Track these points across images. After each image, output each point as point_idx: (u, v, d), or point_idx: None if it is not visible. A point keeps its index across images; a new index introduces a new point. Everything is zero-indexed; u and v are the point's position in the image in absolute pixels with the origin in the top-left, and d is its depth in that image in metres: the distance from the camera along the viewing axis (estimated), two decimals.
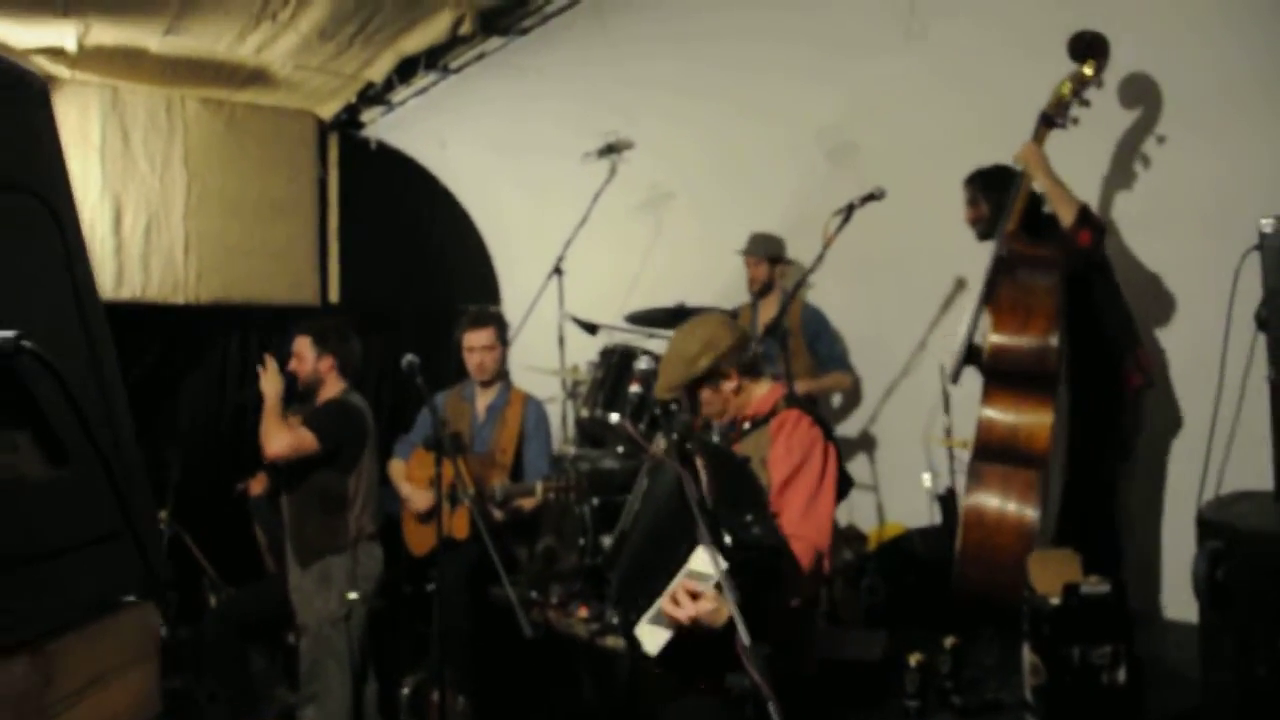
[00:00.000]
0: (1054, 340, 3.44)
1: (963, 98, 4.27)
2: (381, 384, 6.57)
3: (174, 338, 5.95)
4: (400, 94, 5.90)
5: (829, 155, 4.93)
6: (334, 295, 6.67)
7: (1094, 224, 3.56)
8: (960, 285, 4.64)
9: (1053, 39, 3.71)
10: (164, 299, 5.85)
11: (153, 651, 1.37)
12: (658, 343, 4.77)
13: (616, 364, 4.42)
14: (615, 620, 3.56)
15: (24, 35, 4.72)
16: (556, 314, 5.18)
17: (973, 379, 3.74)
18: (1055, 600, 2.59)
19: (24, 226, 1.21)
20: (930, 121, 4.45)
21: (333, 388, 4.35)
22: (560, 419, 5.23)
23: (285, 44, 5.07)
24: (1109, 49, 3.57)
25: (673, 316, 4.83)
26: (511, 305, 6.50)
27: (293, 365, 4.37)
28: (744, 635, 1.95)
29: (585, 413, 4.51)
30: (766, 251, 4.93)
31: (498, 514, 4.28)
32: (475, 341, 4.58)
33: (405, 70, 5.52)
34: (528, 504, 4.36)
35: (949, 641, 3.00)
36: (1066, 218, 3.55)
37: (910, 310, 4.82)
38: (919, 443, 4.67)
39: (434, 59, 5.38)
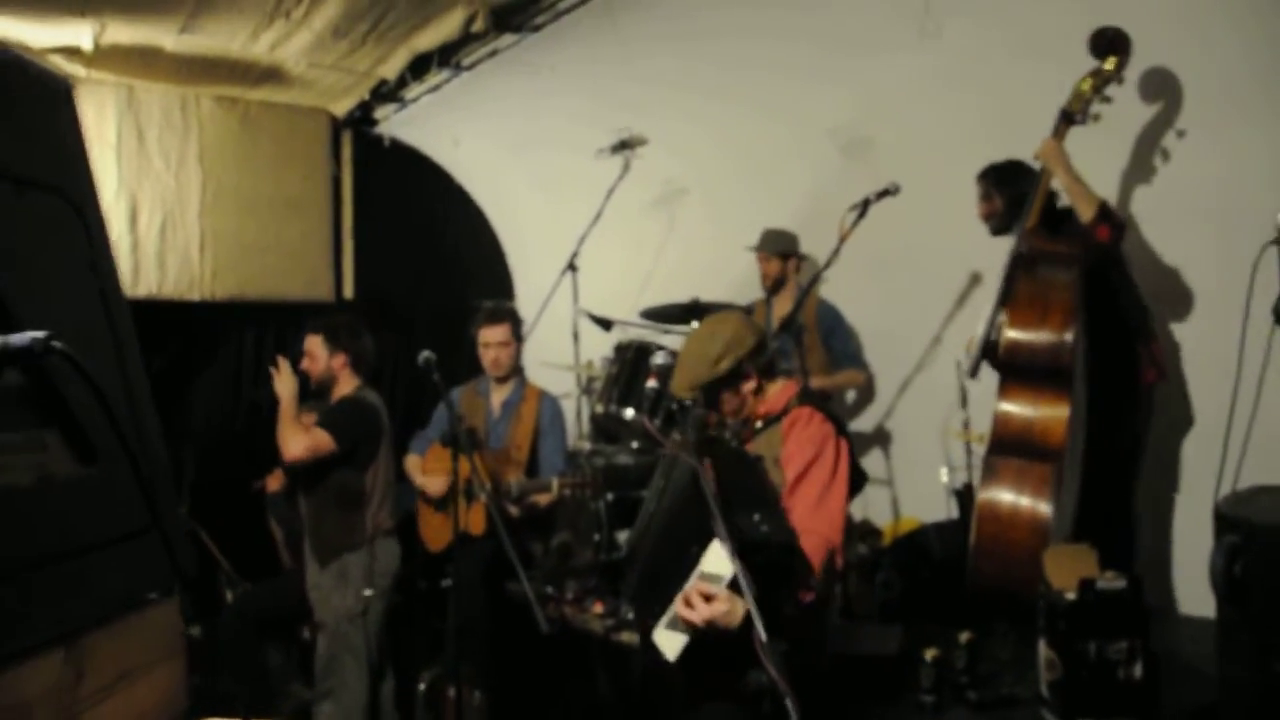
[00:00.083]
0: (1070, 335, 3.43)
1: (976, 95, 4.27)
2: (396, 380, 6.59)
3: (189, 334, 5.98)
4: (413, 91, 5.92)
5: (843, 151, 4.93)
6: (348, 292, 6.69)
7: (1113, 220, 3.56)
8: (975, 280, 4.63)
9: (1066, 36, 3.71)
10: (179, 296, 5.88)
11: (179, 648, 1.39)
12: (672, 338, 4.78)
13: (631, 360, 4.42)
14: (630, 615, 3.58)
15: (41, 35, 4.74)
16: (571, 310, 5.19)
17: (990, 374, 3.74)
18: (1071, 595, 2.59)
19: (51, 227, 1.23)
20: (944, 118, 4.44)
21: (346, 385, 4.35)
22: (575, 415, 5.24)
23: (299, 42, 5.09)
24: (1131, 46, 3.56)
25: (687, 312, 4.85)
26: (525, 301, 6.51)
27: (305, 364, 4.36)
28: (761, 632, 1.96)
29: (600, 408, 4.51)
30: (777, 248, 4.93)
31: (513, 509, 4.29)
32: (491, 337, 4.59)
33: (418, 67, 5.53)
34: (543, 499, 4.37)
35: (964, 636, 3.00)
36: (1086, 214, 3.54)
37: (925, 305, 4.82)
38: (934, 437, 4.67)
39: (447, 56, 5.38)
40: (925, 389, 4.87)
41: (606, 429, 4.77)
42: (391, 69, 5.59)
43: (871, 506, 4.91)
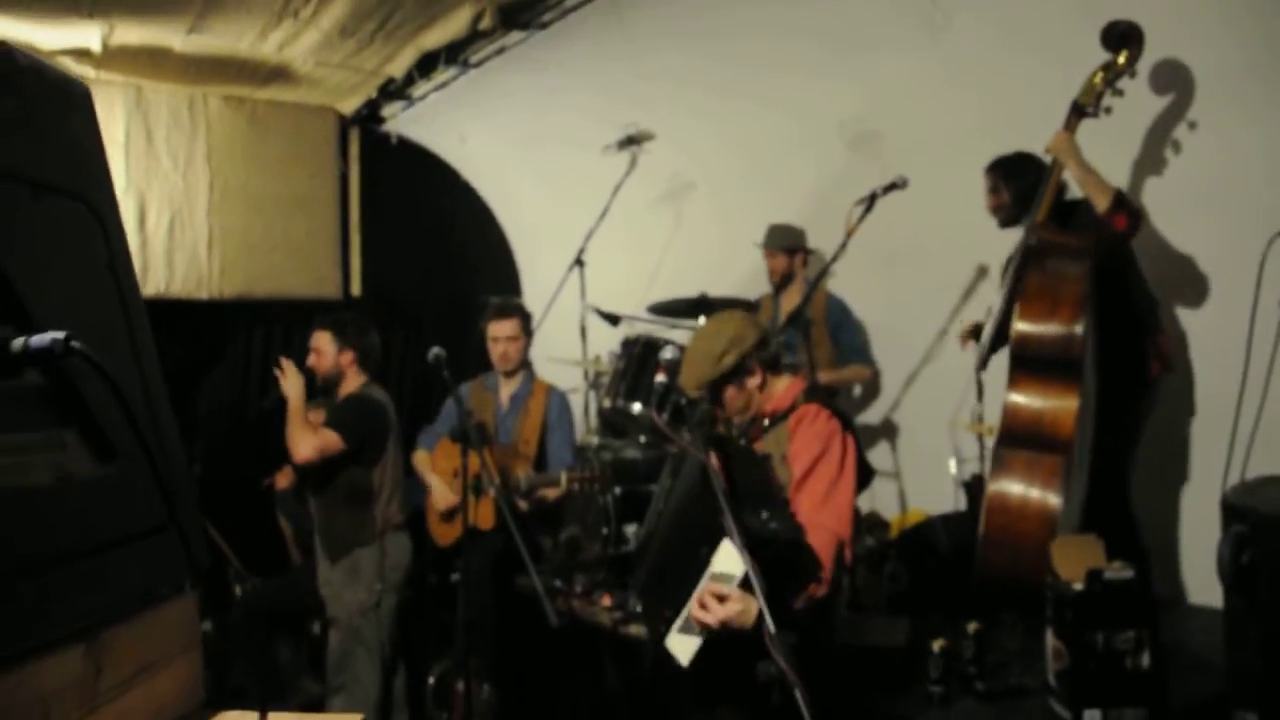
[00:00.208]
0: (1080, 328, 3.43)
1: (983, 88, 4.27)
2: (404, 376, 6.62)
3: (198, 333, 6.01)
4: (421, 89, 5.93)
5: (850, 145, 4.93)
6: (356, 289, 6.71)
7: (1130, 208, 3.56)
8: (981, 273, 4.64)
9: (1073, 29, 3.71)
10: (188, 295, 5.91)
11: (196, 642, 1.41)
12: (680, 333, 4.79)
13: (638, 355, 4.44)
14: (638, 609, 3.60)
15: (50, 37, 4.77)
16: (578, 305, 5.21)
17: (999, 367, 3.75)
18: (1078, 586, 2.60)
19: (70, 229, 1.25)
20: (950, 112, 4.45)
21: (353, 381, 4.36)
22: (583, 410, 5.26)
23: (307, 41, 5.10)
24: (1143, 39, 3.55)
25: (694, 307, 4.86)
26: (533, 297, 6.52)
27: (311, 361, 4.37)
28: (770, 624, 1.97)
29: (607, 403, 4.53)
30: (784, 243, 4.94)
31: (522, 504, 4.31)
32: (499, 332, 4.61)
33: (425, 65, 5.54)
34: (552, 494, 4.39)
35: (972, 627, 3.01)
36: (1102, 204, 3.54)
37: (931, 298, 4.83)
38: (941, 431, 4.68)
39: (454, 54, 5.40)
40: (932, 382, 4.88)
41: (614, 424, 4.79)
42: (399, 67, 5.60)
43: (879, 499, 4.93)
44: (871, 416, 5.15)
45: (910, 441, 5.06)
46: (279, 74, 5.66)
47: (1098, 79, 3.60)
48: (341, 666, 4.18)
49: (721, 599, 2.33)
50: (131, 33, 4.84)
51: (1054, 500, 3.33)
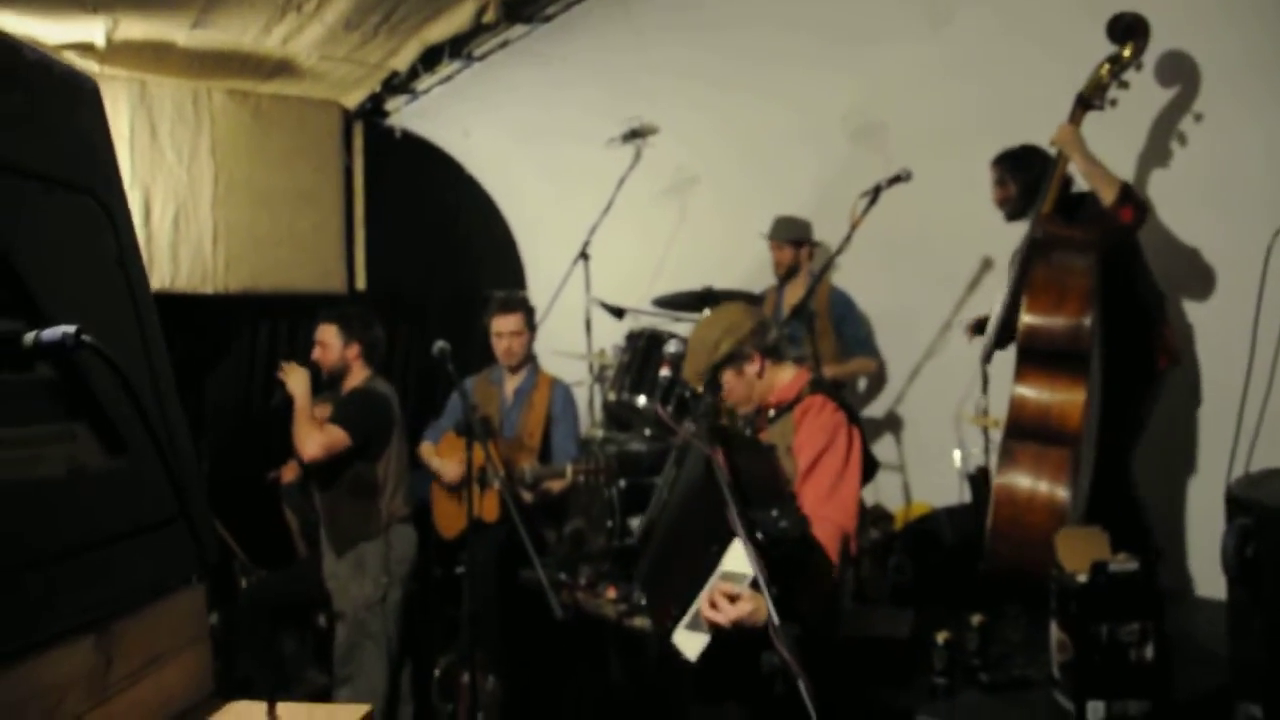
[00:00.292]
0: (1087, 320, 3.43)
1: (987, 81, 4.26)
2: (408, 370, 6.63)
3: (203, 327, 6.02)
4: (425, 82, 5.93)
5: (854, 138, 4.93)
6: (361, 283, 6.70)
7: (1136, 201, 3.55)
8: (986, 265, 4.63)
9: (1077, 22, 3.70)
10: (193, 289, 5.91)
11: (205, 633, 1.42)
12: (684, 326, 4.80)
13: (643, 348, 4.44)
14: (641, 601, 3.60)
15: (54, 32, 4.77)
16: (583, 299, 5.21)
17: (1004, 359, 3.75)
18: (1083, 578, 2.60)
19: (80, 224, 1.25)
20: (954, 104, 4.44)
21: (358, 375, 4.38)
22: (587, 402, 5.27)
23: (311, 35, 5.10)
24: (1149, 31, 3.54)
25: (699, 300, 4.86)
26: (537, 291, 6.53)
27: (317, 354, 4.39)
28: (774, 616, 1.98)
29: (612, 396, 4.54)
30: (789, 235, 4.94)
31: (527, 496, 4.32)
32: (504, 326, 4.62)
33: (429, 59, 5.53)
34: (556, 486, 4.40)
35: (976, 619, 3.01)
36: (1108, 197, 3.53)
37: (936, 291, 4.83)
38: (945, 423, 4.68)
39: (458, 47, 5.39)
40: (936, 375, 4.88)
41: (619, 416, 4.80)
42: (403, 61, 5.60)
43: (883, 492, 4.93)
44: (876, 409, 5.15)
45: (915, 434, 5.06)
46: (283, 68, 5.66)
47: (1104, 71, 3.59)
48: (348, 659, 4.20)
49: (733, 599, 2.33)
50: (135, 27, 4.84)
51: (1062, 493, 3.33)
